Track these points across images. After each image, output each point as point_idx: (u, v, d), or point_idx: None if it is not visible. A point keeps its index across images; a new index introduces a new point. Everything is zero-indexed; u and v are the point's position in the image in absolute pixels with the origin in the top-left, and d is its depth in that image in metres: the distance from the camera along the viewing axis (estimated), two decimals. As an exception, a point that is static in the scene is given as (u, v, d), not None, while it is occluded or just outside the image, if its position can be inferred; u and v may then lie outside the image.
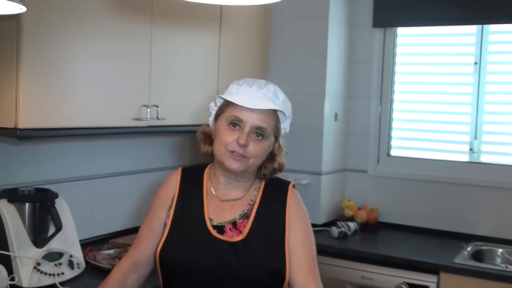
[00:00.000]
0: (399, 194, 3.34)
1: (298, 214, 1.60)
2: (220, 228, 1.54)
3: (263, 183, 1.63)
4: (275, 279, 1.51)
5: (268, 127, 1.53)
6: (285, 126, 1.62)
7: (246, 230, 1.54)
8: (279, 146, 1.61)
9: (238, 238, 1.52)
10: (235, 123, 1.51)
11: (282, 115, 1.58)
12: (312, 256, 1.60)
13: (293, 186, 1.64)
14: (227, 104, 1.55)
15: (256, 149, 1.51)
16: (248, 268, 1.49)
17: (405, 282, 2.70)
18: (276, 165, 1.60)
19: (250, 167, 1.54)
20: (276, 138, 1.58)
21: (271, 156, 1.59)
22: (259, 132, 1.51)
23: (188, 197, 1.59)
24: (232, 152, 1.50)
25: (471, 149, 3.20)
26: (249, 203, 1.59)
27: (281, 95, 1.57)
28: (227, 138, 1.51)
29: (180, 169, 1.66)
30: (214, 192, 1.60)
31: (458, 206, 3.18)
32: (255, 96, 1.52)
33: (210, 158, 1.62)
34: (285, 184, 1.64)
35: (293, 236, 1.56)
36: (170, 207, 1.59)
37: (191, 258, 1.50)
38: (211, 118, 1.61)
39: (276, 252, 1.52)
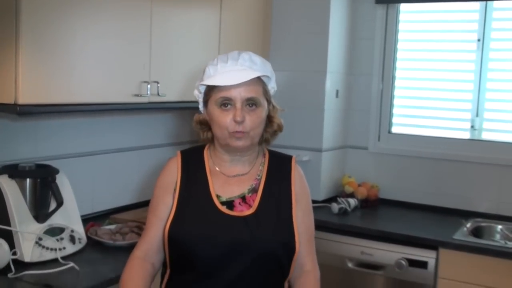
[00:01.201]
0: (399, 171, 3.35)
1: (303, 190, 1.63)
2: (229, 204, 1.55)
3: (267, 157, 1.64)
4: (286, 251, 1.53)
5: (257, 95, 1.52)
6: (272, 86, 1.60)
7: (256, 204, 1.55)
8: (273, 106, 1.60)
9: (248, 212, 1.53)
10: (225, 103, 1.51)
11: (266, 78, 1.57)
12: (312, 234, 1.64)
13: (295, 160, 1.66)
14: (210, 88, 1.54)
15: (253, 120, 1.51)
16: (260, 242, 1.50)
17: (405, 258, 2.72)
18: (275, 127, 1.60)
19: (254, 138, 1.54)
20: (268, 100, 1.58)
21: (269, 119, 1.59)
22: (251, 103, 1.51)
23: (192, 178, 1.59)
24: (233, 133, 1.51)
25: (472, 127, 3.20)
26: (256, 178, 1.60)
27: (257, 59, 1.55)
28: (224, 120, 1.51)
29: (178, 153, 1.65)
30: (218, 170, 1.60)
31: (458, 183, 3.18)
32: (233, 71, 1.51)
33: (212, 142, 1.62)
34: (288, 159, 1.66)
35: (299, 212, 1.58)
36: (174, 191, 1.58)
37: (201, 234, 1.50)
38: (201, 106, 1.61)
39: (285, 225, 1.54)
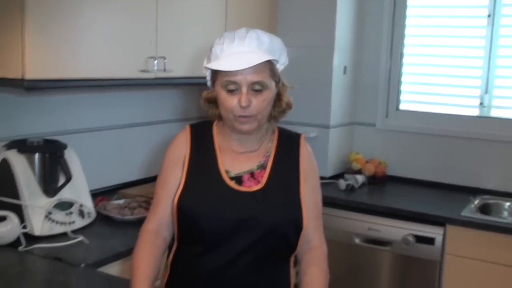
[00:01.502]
0: (407, 148, 3.34)
1: (312, 168, 1.62)
2: (238, 179, 1.55)
3: (276, 134, 1.63)
4: (293, 228, 1.53)
5: (264, 78, 1.48)
6: (282, 62, 1.57)
7: (264, 180, 1.55)
8: (283, 84, 1.57)
9: (256, 187, 1.53)
10: (231, 87, 1.48)
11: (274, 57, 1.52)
12: (320, 211, 1.64)
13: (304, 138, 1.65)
14: (216, 69, 1.50)
15: (260, 104, 1.49)
16: (268, 217, 1.50)
17: (412, 234, 2.73)
18: (284, 105, 1.58)
19: (261, 121, 1.53)
20: (277, 81, 1.54)
21: (277, 97, 1.56)
22: (257, 87, 1.47)
23: (201, 152, 1.58)
24: (239, 117, 1.49)
25: (481, 104, 3.17)
26: (265, 155, 1.59)
27: (265, 38, 1.51)
28: (229, 103, 1.48)
29: (187, 127, 1.64)
30: (227, 146, 1.60)
31: (467, 160, 3.17)
32: (240, 53, 1.47)
33: (221, 119, 1.60)
34: (296, 136, 1.65)
35: (306, 189, 1.58)
36: (183, 164, 1.57)
37: (209, 208, 1.50)
38: (209, 83, 1.59)
39: (293, 201, 1.54)
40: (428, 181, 3.26)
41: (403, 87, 3.40)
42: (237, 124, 1.51)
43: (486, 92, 3.14)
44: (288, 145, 1.62)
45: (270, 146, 1.61)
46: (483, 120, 3.16)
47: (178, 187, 1.54)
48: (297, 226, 1.53)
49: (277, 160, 1.59)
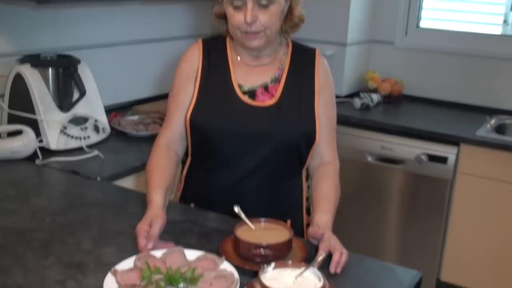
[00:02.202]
0: (426, 67, 3.27)
1: (327, 82, 1.60)
2: (251, 93, 1.54)
3: (290, 47, 1.60)
4: (306, 141, 1.53)
5: None
6: None
7: (278, 94, 1.54)
8: None
9: (270, 102, 1.53)
10: (237, 4, 1.43)
11: None
12: (334, 126, 1.63)
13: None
14: None
15: (267, 19, 1.44)
16: (281, 131, 1.50)
17: (425, 153, 2.73)
18: (295, 19, 1.54)
19: (270, 36, 1.49)
20: None
21: (289, 10, 1.52)
22: (264, 2, 1.42)
23: (214, 66, 1.56)
24: (246, 32, 1.46)
25: (505, 21, 3.06)
26: (279, 68, 1.57)
27: None
28: (235, 20, 1.45)
29: (200, 40, 1.61)
30: (240, 59, 1.58)
31: (486, 80, 3.11)
32: None
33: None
34: (312, 50, 1.62)
35: (321, 103, 1.56)
36: (195, 79, 1.56)
37: (221, 123, 1.50)
38: None
39: (307, 115, 1.54)
40: (445, 101, 3.22)
41: (424, 4, 3.28)
42: (245, 40, 1.48)
43: (511, 9, 3.02)
44: (303, 59, 1.59)
45: (284, 59, 1.59)
46: (506, 39, 3.06)
47: (191, 102, 1.54)
48: (310, 139, 1.53)
49: (292, 74, 1.57)
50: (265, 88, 1.55)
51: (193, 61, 1.58)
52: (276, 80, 1.56)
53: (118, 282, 1.15)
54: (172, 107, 1.59)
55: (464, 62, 3.15)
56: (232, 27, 1.48)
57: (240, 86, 1.54)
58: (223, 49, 1.59)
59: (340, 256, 1.27)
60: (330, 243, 1.29)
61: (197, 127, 1.53)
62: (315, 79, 1.57)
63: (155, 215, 1.34)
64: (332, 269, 1.25)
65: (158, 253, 1.25)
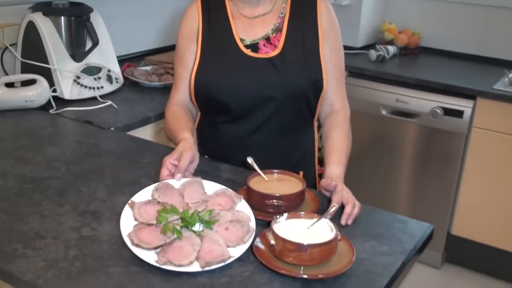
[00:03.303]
0: (444, 19, 3.19)
1: (331, 25, 1.55)
2: (254, 46, 1.51)
3: None
4: (314, 89, 1.51)
5: None
6: None
7: (281, 44, 1.51)
8: None
9: (274, 53, 1.50)
10: None
11: None
12: (342, 72, 1.59)
13: None
14: None
15: None
16: (288, 81, 1.48)
17: (440, 107, 2.70)
18: None
19: None
20: None
21: None
22: None
23: (214, 22, 1.54)
24: None
25: (529, -30, 2.96)
26: (279, 16, 1.54)
27: None
28: None
29: None
30: (239, 12, 1.55)
31: (506, 32, 3.03)
32: None
33: None
34: None
35: (327, 48, 1.52)
36: (197, 38, 1.54)
37: (227, 78, 1.49)
38: None
39: (312, 62, 1.51)
40: (463, 53, 3.15)
41: (445, -49, 3.17)
42: None
43: (535, -43, 2.92)
44: (303, 4, 1.54)
45: (284, 6, 1.55)
46: (529, -11, 2.97)
47: (194, 62, 1.53)
48: (317, 87, 1.51)
49: (293, 21, 1.53)
50: (267, 39, 1.52)
51: (193, 20, 1.56)
52: (278, 30, 1.53)
53: (135, 218, 1.17)
54: (178, 70, 1.59)
55: (483, 14, 3.07)
56: None
57: (242, 40, 1.52)
58: (222, 3, 1.56)
59: (353, 208, 1.27)
60: (342, 194, 1.29)
61: (202, 87, 1.52)
62: (318, 24, 1.52)
63: (185, 149, 1.34)
64: (343, 221, 1.26)
65: (176, 184, 1.26)
